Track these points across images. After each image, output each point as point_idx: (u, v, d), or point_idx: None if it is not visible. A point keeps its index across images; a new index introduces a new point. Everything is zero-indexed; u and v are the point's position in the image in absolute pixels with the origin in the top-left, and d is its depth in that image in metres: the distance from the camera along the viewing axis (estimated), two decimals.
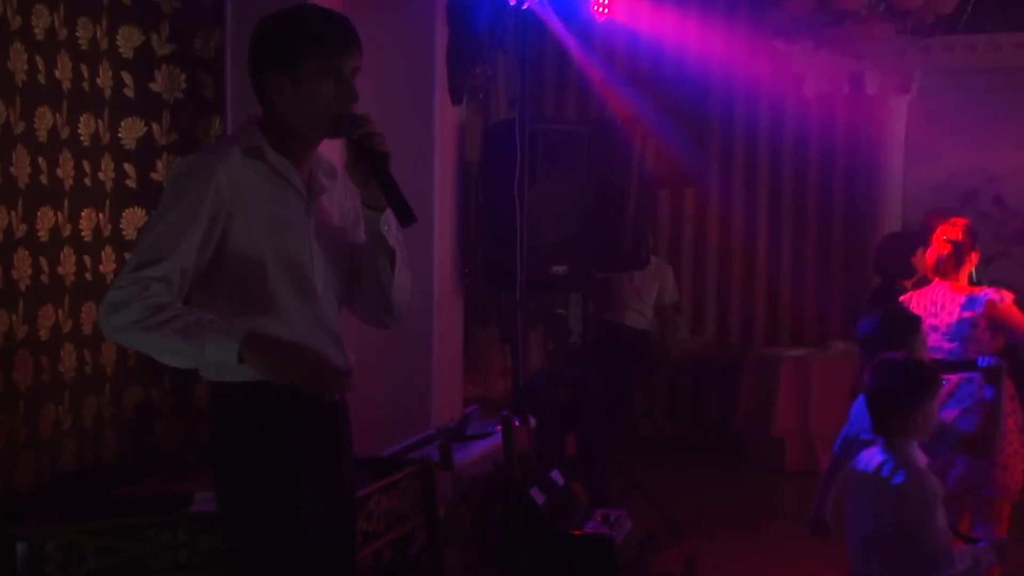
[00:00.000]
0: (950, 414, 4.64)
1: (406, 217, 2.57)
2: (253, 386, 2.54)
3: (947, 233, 4.99)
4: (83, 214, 4.03)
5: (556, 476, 5.01)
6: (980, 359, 4.27)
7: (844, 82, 8.73)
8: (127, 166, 4.21)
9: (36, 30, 3.79)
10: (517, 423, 4.66)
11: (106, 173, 4.13)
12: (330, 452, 2.67)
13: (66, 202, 3.95)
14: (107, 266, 4.15)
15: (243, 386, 2.55)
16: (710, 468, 8.46)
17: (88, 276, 4.06)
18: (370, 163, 2.57)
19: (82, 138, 4.02)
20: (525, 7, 5.33)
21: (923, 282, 5.48)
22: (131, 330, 2.41)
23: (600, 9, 6.09)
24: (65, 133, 3.94)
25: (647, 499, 6.53)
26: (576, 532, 4.70)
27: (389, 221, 2.68)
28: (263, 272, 2.54)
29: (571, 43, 6.57)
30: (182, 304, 2.49)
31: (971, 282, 5.01)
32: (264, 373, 2.42)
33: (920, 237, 6.13)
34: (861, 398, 3.83)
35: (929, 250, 5.09)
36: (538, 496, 4.68)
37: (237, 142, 2.58)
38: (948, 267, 4.97)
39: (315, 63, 2.55)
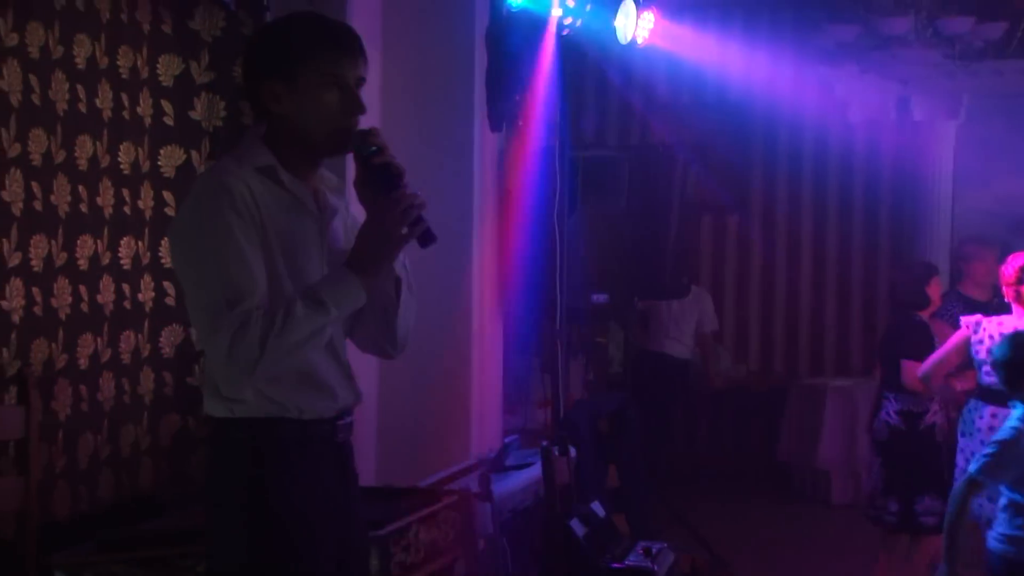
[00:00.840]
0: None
1: (426, 238, 2.42)
2: (259, 423, 2.42)
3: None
4: (122, 242, 4.03)
5: (597, 508, 4.94)
6: None
7: (890, 108, 8.64)
8: (166, 194, 4.21)
9: (78, 59, 3.81)
10: (557, 454, 4.60)
11: (145, 201, 4.14)
12: (338, 496, 2.52)
13: (106, 230, 3.95)
14: (146, 294, 4.15)
15: (245, 423, 2.42)
16: (753, 500, 8.34)
17: (127, 304, 4.06)
18: (384, 181, 2.40)
19: (122, 166, 4.02)
20: (565, 33, 5.30)
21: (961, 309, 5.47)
22: (263, 352, 2.29)
23: (641, 35, 6.06)
24: (105, 162, 3.95)
25: (690, 531, 6.44)
26: (617, 565, 4.62)
27: None
28: (282, 294, 2.40)
29: (612, 69, 6.54)
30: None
31: None
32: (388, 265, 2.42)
33: (933, 267, 6.03)
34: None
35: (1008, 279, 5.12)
36: (579, 528, 4.62)
37: (249, 160, 2.44)
38: None
39: (313, 69, 2.41)
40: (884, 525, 5.70)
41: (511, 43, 5.38)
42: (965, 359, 5.36)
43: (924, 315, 5.68)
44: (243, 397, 2.39)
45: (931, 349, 5.54)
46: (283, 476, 2.42)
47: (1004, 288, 5.23)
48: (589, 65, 6.80)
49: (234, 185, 2.37)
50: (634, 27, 5.96)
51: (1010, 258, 5.23)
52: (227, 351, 2.30)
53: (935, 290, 5.74)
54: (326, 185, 2.57)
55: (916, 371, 5.46)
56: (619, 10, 5.81)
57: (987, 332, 5.17)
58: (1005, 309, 5.28)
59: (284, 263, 2.41)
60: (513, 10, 5.11)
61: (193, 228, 2.39)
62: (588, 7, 5.46)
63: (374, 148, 2.41)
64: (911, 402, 5.58)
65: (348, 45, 2.47)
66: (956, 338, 5.34)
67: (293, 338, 2.32)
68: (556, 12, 5.35)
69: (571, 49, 5.54)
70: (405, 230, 2.39)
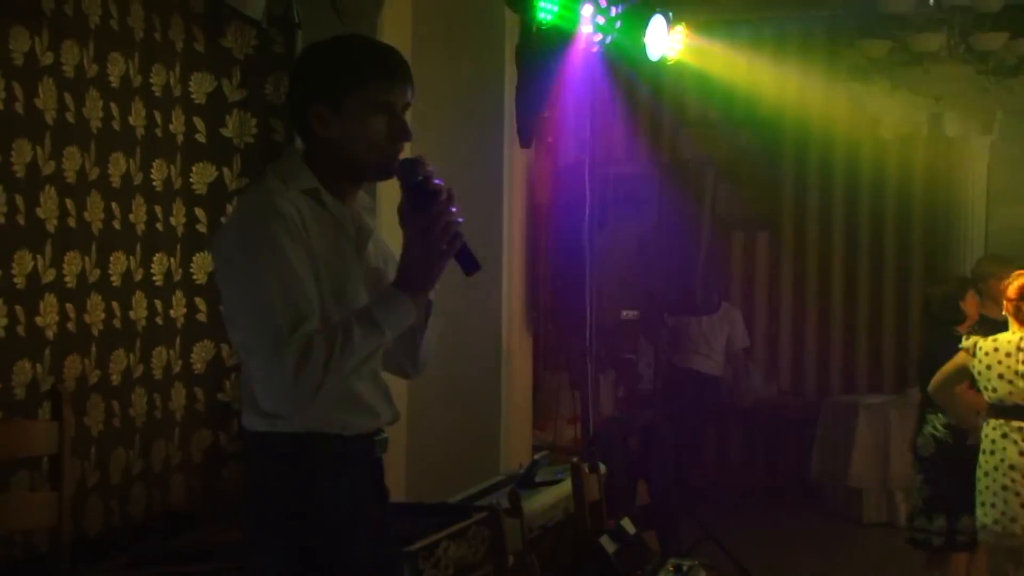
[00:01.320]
0: None
1: (471, 266, 2.42)
2: (299, 437, 2.40)
3: None
4: (155, 259, 4.05)
5: (627, 525, 4.92)
6: None
7: (922, 123, 8.58)
8: (198, 211, 4.23)
9: (112, 78, 3.85)
10: (587, 470, 4.59)
11: (177, 218, 4.17)
12: (375, 511, 2.51)
13: (138, 247, 3.98)
14: (177, 310, 4.17)
15: (287, 437, 2.41)
16: (785, 518, 8.28)
17: (159, 320, 4.08)
18: (429, 202, 2.38)
19: (155, 183, 4.05)
20: (595, 49, 5.31)
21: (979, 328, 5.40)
22: (326, 375, 2.30)
23: (671, 51, 6.06)
24: (138, 179, 3.98)
25: (721, 549, 6.40)
26: None
27: None
28: (328, 317, 2.39)
29: (642, 85, 6.54)
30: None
31: None
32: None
33: (968, 281, 5.96)
34: None
35: None
36: (609, 545, 4.59)
37: (294, 181, 2.44)
38: None
39: (362, 96, 2.39)
40: (929, 547, 5.62)
41: (541, 60, 5.40)
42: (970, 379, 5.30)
43: (961, 331, 5.61)
44: (290, 415, 2.39)
45: None
46: (324, 490, 2.42)
47: (1004, 302, 5.16)
48: (619, 81, 6.80)
49: (285, 207, 2.36)
50: (664, 43, 5.96)
51: (1015, 274, 5.16)
52: (293, 376, 2.28)
53: (971, 305, 5.68)
54: (360, 205, 2.57)
55: None
56: (649, 27, 5.82)
57: (983, 351, 5.13)
58: None
59: (328, 285, 2.41)
60: (543, 27, 5.12)
61: (247, 250, 2.36)
62: (618, 24, 5.46)
63: (421, 178, 2.40)
64: None
65: (397, 71, 2.46)
66: (956, 361, 5.28)
67: (353, 360, 2.33)
68: (586, 29, 5.36)
69: (601, 65, 5.55)
70: (445, 246, 2.39)
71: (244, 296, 2.36)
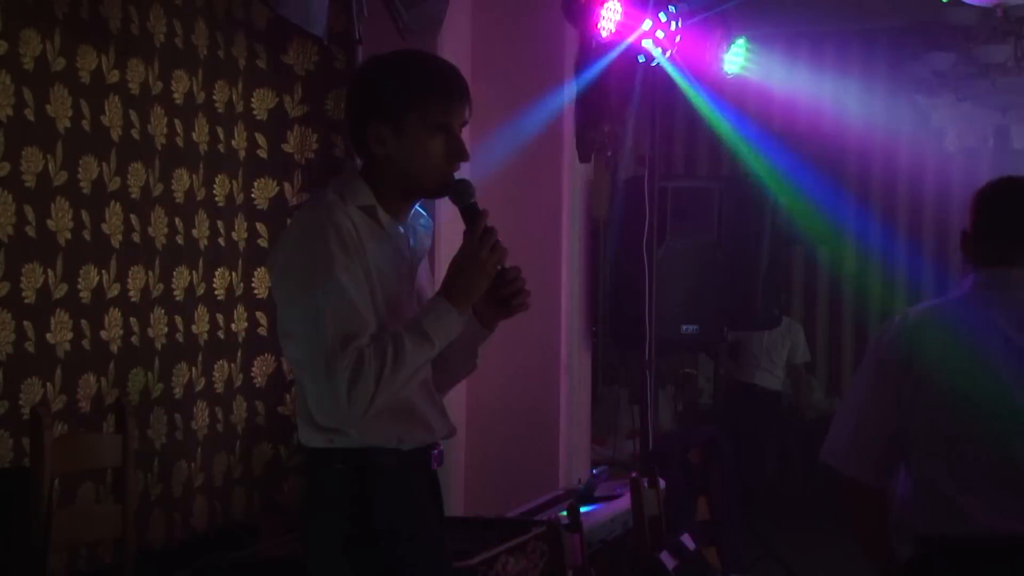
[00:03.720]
0: None
1: (511, 296, 2.44)
2: (359, 453, 2.40)
3: None
4: (217, 273, 4.10)
5: (687, 540, 4.87)
6: None
7: (988, 136, 8.45)
8: (259, 226, 4.27)
9: (176, 95, 3.90)
10: (646, 485, 4.55)
11: (239, 233, 4.21)
12: (431, 524, 2.51)
13: (201, 261, 4.02)
14: (239, 325, 4.21)
15: (347, 452, 2.40)
16: (845, 533, 8.15)
17: (221, 335, 4.12)
18: (471, 222, 2.42)
19: (217, 199, 4.10)
20: (655, 63, 5.29)
21: None
22: (378, 388, 2.30)
23: (732, 65, 6.02)
24: (201, 194, 4.03)
25: (782, 565, 6.32)
26: None
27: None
28: (382, 331, 2.38)
29: (701, 98, 6.51)
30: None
31: None
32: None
33: None
34: None
35: None
36: (668, 561, 4.55)
37: (351, 198, 2.43)
38: None
39: (422, 116, 2.38)
40: None
41: (600, 74, 5.39)
42: None
43: None
44: (346, 430, 2.39)
45: None
46: (384, 504, 2.41)
47: None
48: (679, 95, 6.78)
49: (343, 223, 2.36)
50: (725, 57, 5.92)
51: None
52: (346, 392, 2.28)
53: None
54: (416, 222, 2.56)
55: None
56: (709, 40, 5.79)
57: None
58: None
59: (382, 301, 2.41)
60: (602, 40, 5.11)
61: (303, 265, 2.37)
62: (678, 38, 5.44)
63: (473, 200, 2.43)
64: None
65: (456, 91, 2.44)
66: None
67: (404, 372, 2.33)
68: (646, 42, 5.34)
69: (661, 79, 5.53)
70: (492, 266, 2.41)
71: (298, 310, 2.36)
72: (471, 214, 2.42)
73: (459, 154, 2.44)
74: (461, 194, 2.44)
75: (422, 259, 2.56)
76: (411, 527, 2.45)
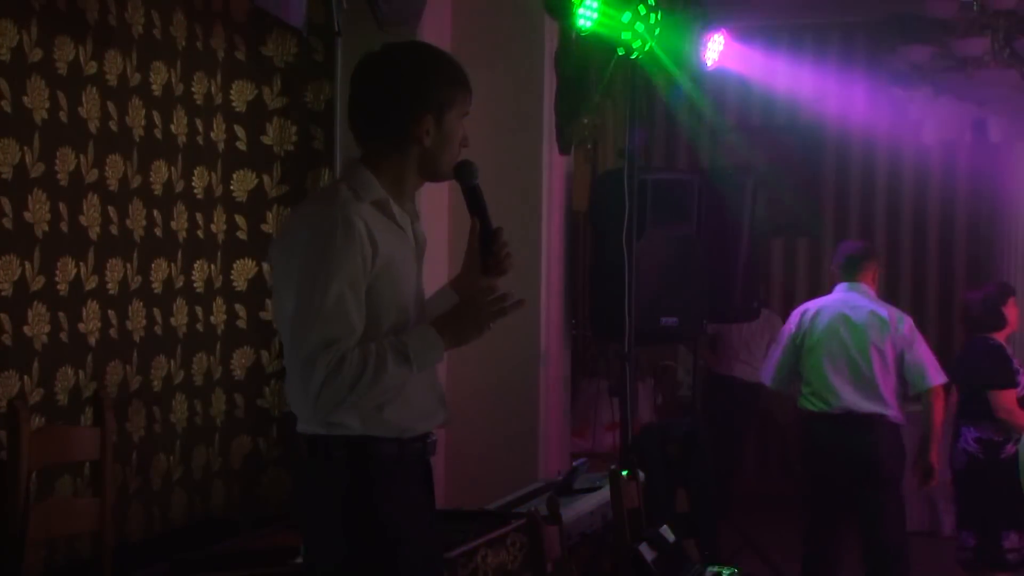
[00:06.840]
0: None
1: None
2: (356, 441, 2.48)
3: None
4: (195, 266, 4.08)
5: (666, 532, 4.89)
6: None
7: (966, 129, 8.48)
8: (238, 218, 4.26)
9: (154, 86, 3.88)
10: (626, 477, 4.56)
11: (218, 225, 4.19)
12: (426, 513, 2.60)
13: (179, 254, 4.01)
14: (218, 317, 4.20)
15: (345, 440, 2.48)
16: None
17: (199, 327, 4.11)
18: (478, 210, 2.62)
19: (196, 191, 4.08)
20: (634, 56, 5.29)
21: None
22: (351, 394, 2.40)
23: (711, 58, 6.03)
24: (179, 186, 4.01)
25: (761, 557, 6.35)
26: None
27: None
28: (378, 325, 2.47)
29: (681, 91, 6.52)
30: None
31: None
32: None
33: (1010, 287, 5.88)
34: None
35: None
36: (648, 553, 4.56)
37: (365, 193, 2.50)
38: None
39: (458, 107, 2.59)
40: (961, 562, 5.54)
41: (580, 66, 5.38)
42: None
43: (1000, 337, 5.53)
44: (346, 421, 2.46)
45: (1010, 372, 5.40)
46: (382, 491, 2.48)
47: None
48: (658, 87, 6.78)
49: (356, 223, 2.43)
50: (704, 50, 5.93)
51: None
52: (317, 390, 2.38)
53: (1012, 311, 5.59)
54: (416, 211, 2.68)
55: (1005, 400, 5.32)
56: (688, 33, 5.79)
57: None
58: None
59: (392, 293, 2.49)
60: (582, 33, 5.11)
61: (307, 260, 2.42)
62: (657, 30, 5.44)
63: (476, 181, 2.62)
64: (992, 430, 5.42)
65: (469, 83, 2.63)
66: None
67: (380, 387, 2.43)
68: (625, 35, 5.34)
69: (640, 72, 5.53)
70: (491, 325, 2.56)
71: (293, 303, 2.42)
72: (474, 194, 2.61)
73: (466, 140, 2.62)
74: (468, 174, 2.61)
75: (424, 247, 2.66)
76: (409, 514, 2.52)
